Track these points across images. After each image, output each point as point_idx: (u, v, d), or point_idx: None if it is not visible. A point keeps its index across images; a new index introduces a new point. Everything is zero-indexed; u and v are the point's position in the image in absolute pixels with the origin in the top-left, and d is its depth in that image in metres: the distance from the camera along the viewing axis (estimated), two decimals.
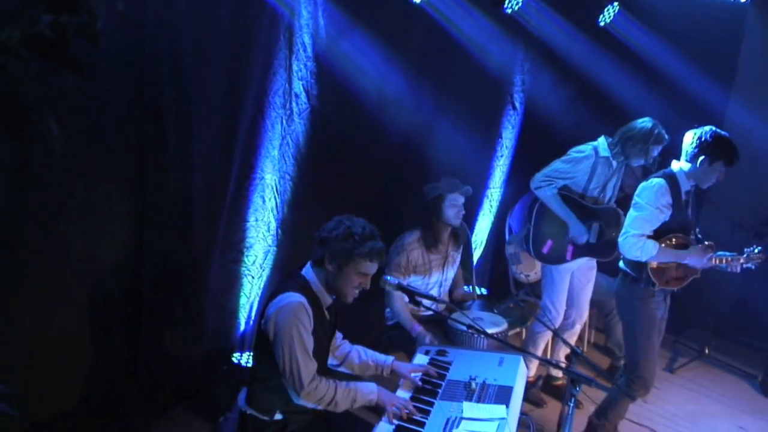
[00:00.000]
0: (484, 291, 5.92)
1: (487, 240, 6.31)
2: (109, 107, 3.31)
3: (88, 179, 3.33)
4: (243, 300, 4.29)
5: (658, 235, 3.76)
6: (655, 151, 4.41)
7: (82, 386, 3.67)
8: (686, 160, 3.81)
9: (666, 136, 4.37)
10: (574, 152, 4.53)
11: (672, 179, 3.78)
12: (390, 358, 3.26)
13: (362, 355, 3.28)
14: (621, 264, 4.01)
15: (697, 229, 3.95)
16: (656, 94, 6.02)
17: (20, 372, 3.30)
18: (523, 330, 5.30)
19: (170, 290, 3.89)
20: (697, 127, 3.81)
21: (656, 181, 3.78)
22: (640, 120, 4.41)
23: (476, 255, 6.18)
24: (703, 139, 3.73)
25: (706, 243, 3.89)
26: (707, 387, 5.54)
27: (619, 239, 3.80)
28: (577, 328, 4.96)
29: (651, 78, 6.26)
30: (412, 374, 3.13)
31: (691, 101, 6.10)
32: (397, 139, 4.93)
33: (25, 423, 3.39)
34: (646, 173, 4.78)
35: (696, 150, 3.75)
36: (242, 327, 4.34)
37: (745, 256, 3.95)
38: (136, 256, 3.68)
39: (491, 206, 6.23)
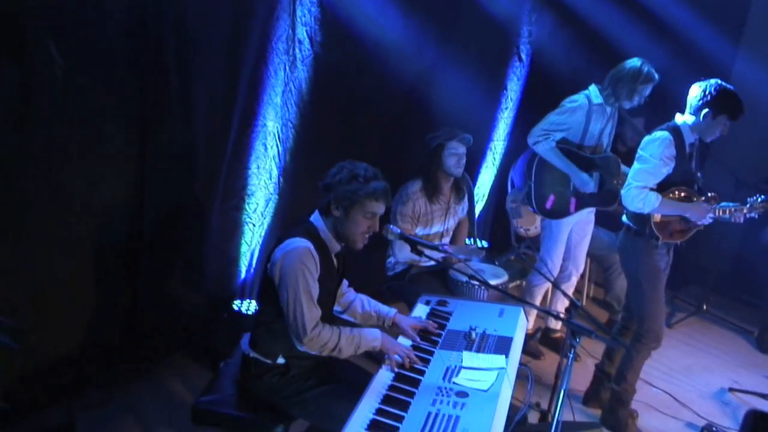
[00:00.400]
0: (485, 244, 5.93)
1: (489, 193, 6.29)
2: (110, 47, 3.27)
3: (89, 121, 3.31)
4: (244, 248, 4.29)
5: (661, 188, 3.73)
6: (646, 91, 4.38)
7: (82, 331, 3.69)
8: (690, 113, 3.76)
9: (656, 75, 4.34)
10: (567, 103, 4.50)
11: (676, 132, 3.74)
12: (393, 311, 3.26)
13: (365, 305, 3.29)
14: (624, 218, 3.99)
15: (700, 179, 3.92)
16: (665, 47, 5.92)
17: (20, 315, 3.31)
18: (524, 282, 5.31)
19: (171, 236, 3.89)
20: (702, 80, 3.76)
21: (660, 134, 3.74)
22: (628, 60, 4.38)
23: (478, 208, 6.16)
24: (707, 91, 3.69)
25: (710, 194, 3.87)
26: (704, 342, 5.58)
27: (622, 192, 3.77)
28: (573, 280, 4.98)
29: (659, 30, 6.15)
30: (412, 330, 3.13)
31: (699, 54, 6.02)
32: (400, 88, 4.87)
33: (24, 365, 3.42)
34: (648, 128, 4.73)
35: (700, 103, 3.70)
36: (243, 275, 4.35)
37: (748, 206, 3.93)
38: (136, 199, 3.67)
39: (494, 159, 6.19)
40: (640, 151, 3.79)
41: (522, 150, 5.68)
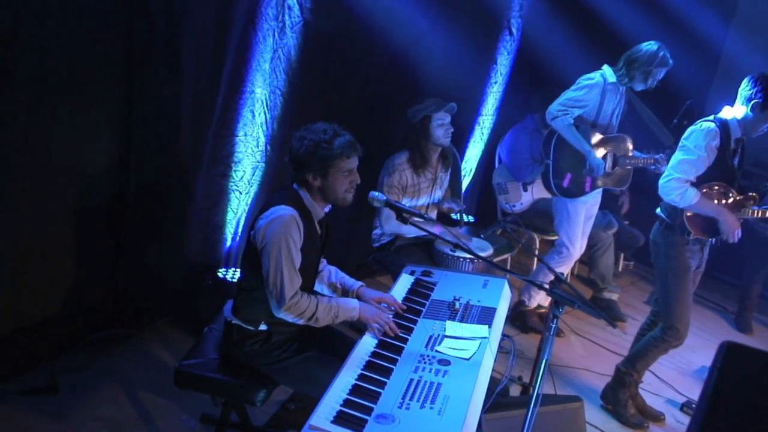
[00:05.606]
0: (471, 219, 5.94)
1: (476, 168, 6.28)
2: (96, 5, 3.21)
3: (73, 82, 3.26)
4: (230, 215, 4.27)
5: (699, 181, 3.66)
6: (659, 75, 4.41)
7: (66, 295, 3.67)
8: (740, 104, 3.63)
9: (670, 61, 4.36)
10: (584, 80, 4.52)
11: (723, 125, 3.62)
12: (358, 283, 3.25)
13: (332, 275, 3.29)
14: (658, 210, 3.90)
15: (740, 178, 3.82)
16: (656, 25, 5.89)
17: (3, 278, 3.29)
18: (509, 257, 5.33)
19: (156, 201, 3.86)
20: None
21: (706, 125, 3.62)
22: (645, 43, 4.40)
23: (465, 183, 6.16)
24: (759, 81, 3.53)
25: (750, 194, 3.79)
26: None
27: (660, 181, 3.68)
28: (573, 260, 5.01)
29: (651, 7, 6.11)
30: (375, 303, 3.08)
31: (690, 33, 6.01)
32: (390, 57, 4.83)
33: (6, 327, 3.41)
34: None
35: (750, 93, 3.55)
36: (228, 243, 4.33)
37: None
38: (121, 163, 3.63)
39: (482, 134, 6.18)
40: (683, 141, 3.68)
41: (510, 125, 5.68)
